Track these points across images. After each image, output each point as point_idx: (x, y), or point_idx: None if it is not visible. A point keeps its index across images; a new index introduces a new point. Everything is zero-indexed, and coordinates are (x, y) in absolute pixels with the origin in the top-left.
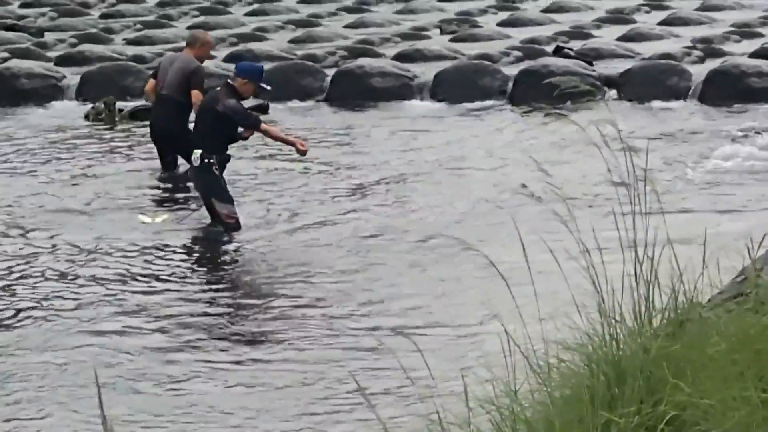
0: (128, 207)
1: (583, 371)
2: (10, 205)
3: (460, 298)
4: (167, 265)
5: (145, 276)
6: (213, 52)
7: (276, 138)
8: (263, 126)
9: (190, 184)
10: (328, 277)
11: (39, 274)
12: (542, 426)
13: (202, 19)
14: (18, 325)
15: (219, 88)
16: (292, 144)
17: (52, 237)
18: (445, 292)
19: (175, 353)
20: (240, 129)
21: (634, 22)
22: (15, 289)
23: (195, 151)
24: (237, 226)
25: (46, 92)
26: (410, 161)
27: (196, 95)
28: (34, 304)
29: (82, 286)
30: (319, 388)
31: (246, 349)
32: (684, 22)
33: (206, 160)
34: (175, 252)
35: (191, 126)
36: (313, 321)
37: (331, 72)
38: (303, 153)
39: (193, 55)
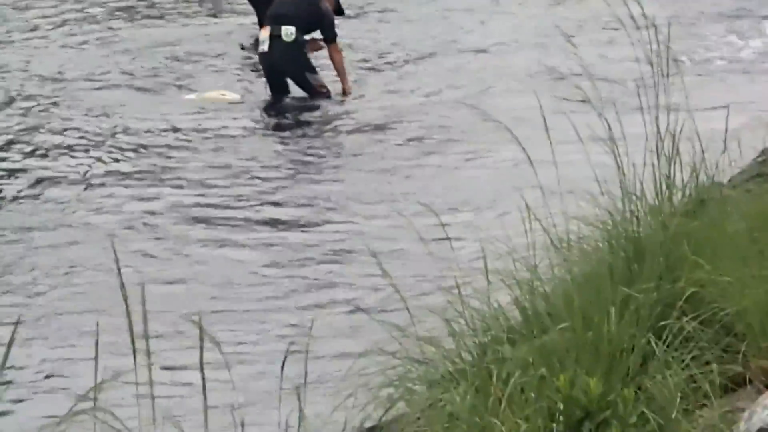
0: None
1: (603, 247)
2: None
3: (481, 172)
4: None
5: None
6: None
7: (337, 64)
8: (336, 46)
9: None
10: (346, 158)
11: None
12: (561, 301)
13: None
14: None
15: None
16: (344, 81)
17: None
18: (466, 166)
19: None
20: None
21: None
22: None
23: (287, 27)
24: (329, 94)
25: None
26: (435, 35)
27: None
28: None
29: None
30: (336, 257)
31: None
32: None
33: (302, 37)
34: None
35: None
36: (333, 197)
37: None
38: (346, 93)
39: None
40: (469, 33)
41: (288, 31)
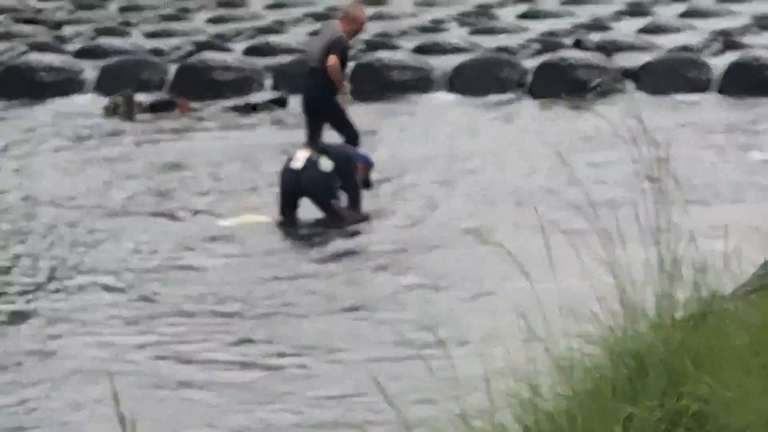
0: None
1: (605, 364)
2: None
3: (481, 292)
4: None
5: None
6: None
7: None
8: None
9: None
10: (341, 273)
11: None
12: (564, 419)
13: (220, 11)
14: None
15: None
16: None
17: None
18: (466, 287)
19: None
20: None
21: (653, 14)
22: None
23: (328, 160)
24: (345, 216)
25: (65, 86)
26: (430, 154)
27: (331, 59)
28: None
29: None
30: (335, 380)
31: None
32: (703, 14)
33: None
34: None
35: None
36: (333, 317)
37: (349, 66)
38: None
39: (341, 28)
40: (465, 152)
41: (327, 164)
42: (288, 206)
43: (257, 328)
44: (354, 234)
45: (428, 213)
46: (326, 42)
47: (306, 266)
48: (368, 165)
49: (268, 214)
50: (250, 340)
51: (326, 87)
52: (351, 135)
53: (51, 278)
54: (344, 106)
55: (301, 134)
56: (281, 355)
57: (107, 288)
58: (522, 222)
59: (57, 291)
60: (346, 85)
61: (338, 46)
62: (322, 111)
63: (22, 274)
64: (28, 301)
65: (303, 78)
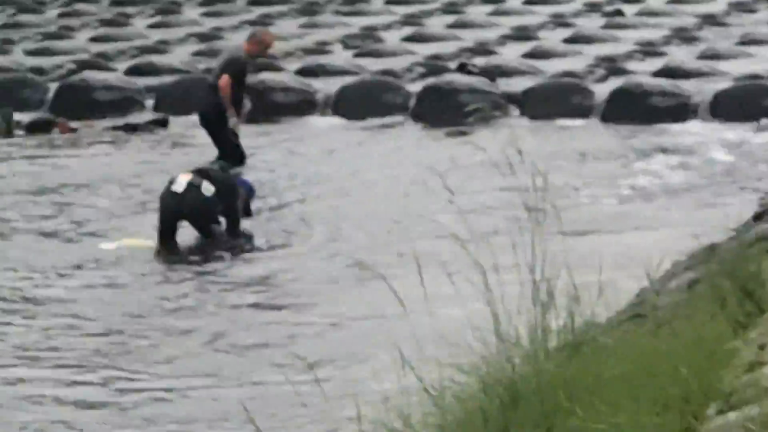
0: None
1: (477, 394)
2: None
3: (357, 321)
4: None
5: None
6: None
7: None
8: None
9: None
10: (222, 308)
11: None
12: None
13: (103, 30)
14: None
15: None
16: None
17: None
18: (342, 316)
19: None
20: None
21: (538, 39)
22: None
23: (209, 185)
24: (224, 240)
25: None
26: (311, 180)
27: (223, 79)
28: None
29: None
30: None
31: None
32: (588, 39)
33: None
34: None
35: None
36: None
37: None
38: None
39: (245, 48)
40: (346, 177)
41: (209, 188)
42: (168, 230)
43: (114, 363)
44: (231, 261)
45: (307, 240)
46: (224, 60)
47: (177, 298)
48: (250, 192)
49: (150, 238)
50: (102, 376)
51: (217, 104)
52: (234, 155)
53: None
54: (233, 125)
55: (181, 156)
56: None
57: None
58: (399, 250)
59: None
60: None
61: (234, 65)
62: (211, 127)
63: None
64: None
65: (203, 92)
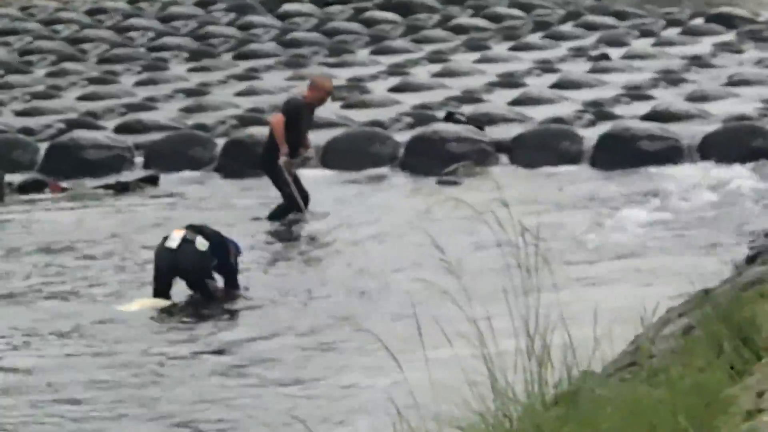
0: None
1: None
2: None
3: (352, 379)
4: None
5: None
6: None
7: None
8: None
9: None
10: (218, 365)
11: None
12: None
13: (91, 88)
14: None
15: None
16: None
17: None
18: (336, 374)
19: None
20: None
21: (525, 85)
22: None
23: (204, 240)
24: (222, 294)
25: None
26: (299, 234)
27: (276, 117)
28: None
29: None
30: None
31: None
32: (575, 84)
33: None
34: None
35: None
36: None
37: (221, 141)
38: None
39: (306, 96)
40: (335, 231)
41: (203, 243)
42: (163, 286)
43: None
44: (227, 318)
45: (298, 297)
46: (283, 104)
47: (171, 360)
48: (237, 251)
49: (174, 297)
50: None
51: (270, 146)
52: (289, 199)
53: None
54: (283, 163)
55: (172, 212)
56: None
57: None
58: (392, 307)
59: None
60: (310, 151)
61: (288, 106)
62: (264, 169)
63: None
64: None
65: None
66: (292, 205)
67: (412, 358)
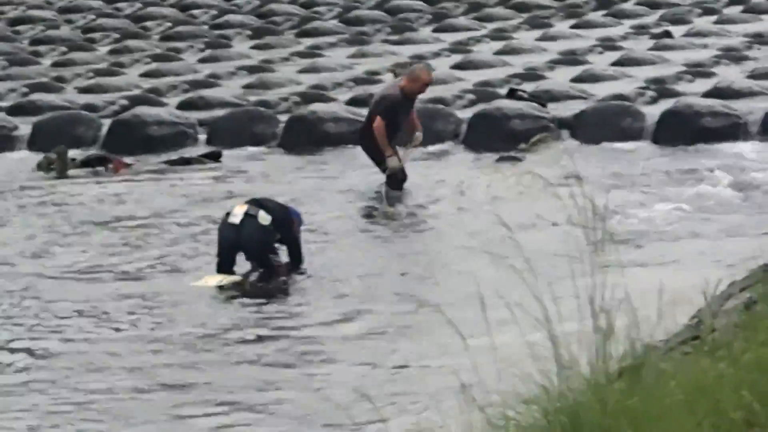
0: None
1: (540, 424)
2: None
3: (418, 354)
4: None
5: None
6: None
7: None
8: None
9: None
10: (281, 340)
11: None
12: None
13: (154, 65)
14: None
15: None
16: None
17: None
18: (402, 349)
19: None
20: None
21: (587, 63)
22: None
23: (266, 214)
24: (285, 272)
25: None
26: (362, 210)
27: (376, 123)
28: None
29: None
30: None
31: None
32: (637, 62)
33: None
34: None
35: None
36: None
37: (284, 118)
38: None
39: (401, 85)
40: (399, 208)
41: (266, 218)
42: (226, 261)
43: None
44: (291, 295)
45: (362, 273)
46: (376, 98)
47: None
48: (299, 222)
49: (238, 273)
50: None
51: (371, 148)
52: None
53: None
54: (393, 167)
55: (235, 187)
56: None
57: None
58: (456, 281)
59: None
60: (417, 135)
61: (384, 103)
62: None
63: None
64: None
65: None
66: (392, 184)
67: (477, 334)
